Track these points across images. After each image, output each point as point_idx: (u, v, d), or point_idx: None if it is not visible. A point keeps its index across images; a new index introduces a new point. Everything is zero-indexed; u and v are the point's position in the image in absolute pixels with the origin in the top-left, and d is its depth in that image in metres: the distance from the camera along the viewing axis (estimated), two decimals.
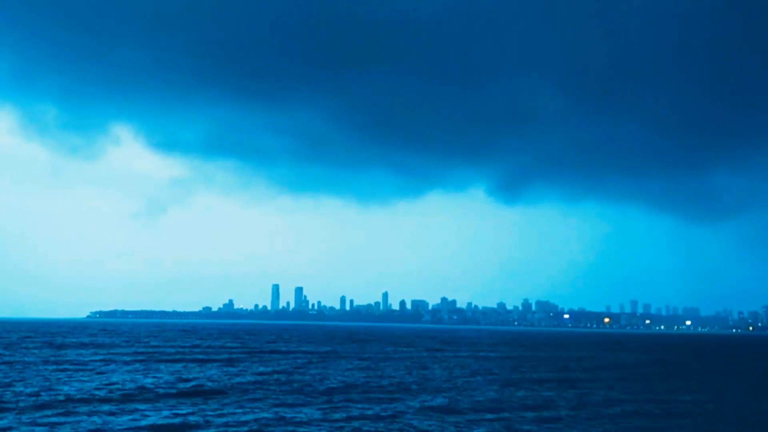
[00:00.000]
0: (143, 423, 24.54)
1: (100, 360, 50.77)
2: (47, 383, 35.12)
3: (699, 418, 28.85)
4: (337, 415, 27.01)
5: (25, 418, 24.95)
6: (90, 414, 26.05)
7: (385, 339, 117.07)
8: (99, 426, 23.86)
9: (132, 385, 34.73)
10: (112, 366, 45.82)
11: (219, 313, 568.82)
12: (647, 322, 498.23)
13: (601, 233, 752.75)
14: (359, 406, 29.64)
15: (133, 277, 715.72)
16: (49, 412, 26.25)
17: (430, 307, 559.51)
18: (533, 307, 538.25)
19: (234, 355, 60.78)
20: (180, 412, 26.94)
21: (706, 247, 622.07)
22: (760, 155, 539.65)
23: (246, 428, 24.06)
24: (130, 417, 25.57)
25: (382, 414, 27.57)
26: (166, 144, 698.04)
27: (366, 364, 53.70)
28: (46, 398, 29.68)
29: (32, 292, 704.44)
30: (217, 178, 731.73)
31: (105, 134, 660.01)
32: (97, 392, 32.00)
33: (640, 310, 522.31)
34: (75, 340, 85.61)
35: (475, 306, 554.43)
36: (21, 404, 27.88)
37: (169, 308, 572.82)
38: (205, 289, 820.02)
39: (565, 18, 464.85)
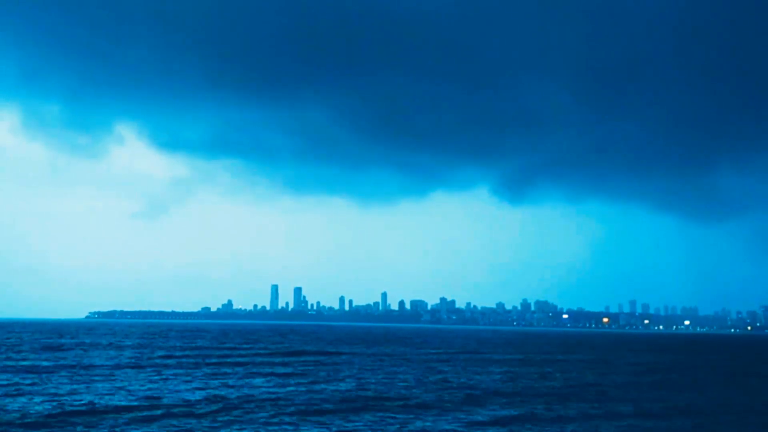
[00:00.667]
0: None
1: (155, 366, 50.94)
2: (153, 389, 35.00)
3: None
4: None
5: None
6: None
7: (412, 340, 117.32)
8: None
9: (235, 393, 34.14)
10: (182, 373, 45.77)
11: (218, 314, 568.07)
12: (646, 322, 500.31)
13: (599, 233, 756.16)
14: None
15: (132, 277, 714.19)
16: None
17: (429, 308, 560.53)
18: (532, 307, 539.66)
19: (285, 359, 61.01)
20: None
21: (704, 247, 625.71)
22: (763, 156, 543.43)
23: None
24: None
25: None
26: (170, 143, 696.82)
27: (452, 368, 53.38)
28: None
29: (30, 293, 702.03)
30: (219, 177, 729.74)
31: (109, 133, 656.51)
32: (199, 407, 30.06)
33: (638, 310, 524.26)
34: (113, 341, 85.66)
35: (474, 306, 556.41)
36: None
37: (167, 308, 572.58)
38: (204, 290, 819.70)
39: (571, 18, 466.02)
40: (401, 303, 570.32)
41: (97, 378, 39.88)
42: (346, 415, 28.82)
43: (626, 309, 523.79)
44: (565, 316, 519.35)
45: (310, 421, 27.33)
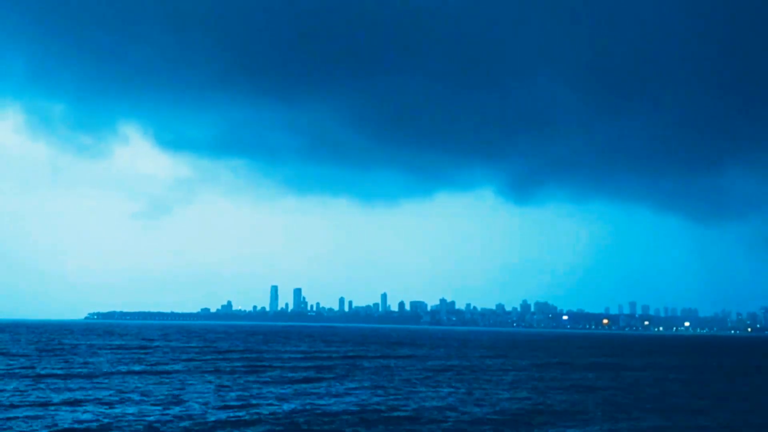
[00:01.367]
0: None
1: (202, 371, 50.48)
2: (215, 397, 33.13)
3: None
4: None
5: None
6: None
7: (434, 342, 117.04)
8: None
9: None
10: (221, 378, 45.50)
11: (218, 315, 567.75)
12: (646, 323, 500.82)
13: (602, 234, 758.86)
14: None
15: (132, 278, 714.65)
16: None
17: (429, 309, 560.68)
18: (532, 309, 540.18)
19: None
20: None
21: (705, 248, 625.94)
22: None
23: None
24: None
25: None
26: (174, 143, 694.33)
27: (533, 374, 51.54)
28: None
29: (30, 293, 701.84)
30: (222, 178, 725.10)
31: (113, 133, 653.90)
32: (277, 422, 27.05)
33: (638, 311, 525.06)
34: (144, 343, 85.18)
35: (474, 307, 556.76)
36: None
37: (167, 309, 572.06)
38: (204, 290, 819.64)
39: (577, 19, 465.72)
40: (401, 304, 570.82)
41: (190, 383, 38.09)
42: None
43: (626, 310, 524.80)
44: (565, 317, 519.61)
45: None
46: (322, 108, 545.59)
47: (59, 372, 42.95)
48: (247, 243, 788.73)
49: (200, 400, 31.38)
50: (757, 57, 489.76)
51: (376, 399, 33.22)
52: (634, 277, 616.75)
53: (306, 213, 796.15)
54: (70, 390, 33.96)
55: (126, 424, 25.12)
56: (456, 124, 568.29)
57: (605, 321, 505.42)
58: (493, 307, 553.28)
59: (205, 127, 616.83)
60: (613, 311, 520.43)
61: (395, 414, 28.76)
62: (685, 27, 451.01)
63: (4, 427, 24.01)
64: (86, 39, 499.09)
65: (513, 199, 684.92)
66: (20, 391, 33.14)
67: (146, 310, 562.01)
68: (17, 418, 25.52)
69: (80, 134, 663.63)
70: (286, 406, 30.00)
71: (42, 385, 35.52)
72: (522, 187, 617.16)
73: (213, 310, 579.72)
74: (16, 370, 43.13)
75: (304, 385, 38.46)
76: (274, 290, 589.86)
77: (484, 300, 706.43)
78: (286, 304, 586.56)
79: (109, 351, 67.60)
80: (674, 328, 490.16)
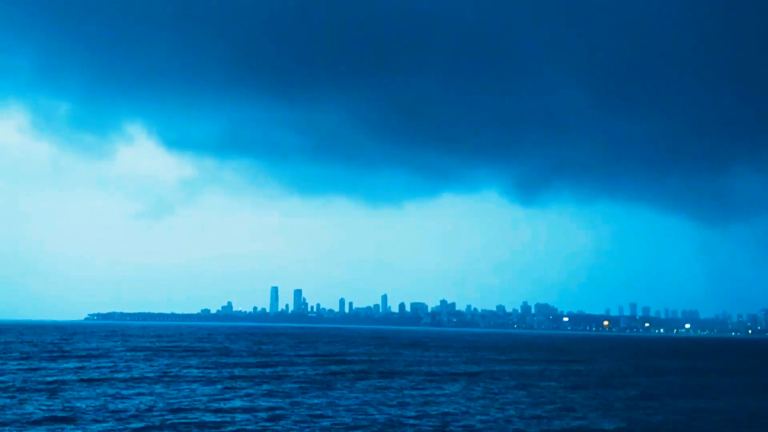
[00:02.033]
0: None
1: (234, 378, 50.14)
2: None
3: None
4: None
5: None
6: None
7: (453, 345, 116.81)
8: None
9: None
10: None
11: (218, 316, 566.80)
12: (647, 325, 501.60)
13: (604, 236, 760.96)
14: None
15: (131, 278, 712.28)
16: None
17: (429, 310, 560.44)
18: (533, 310, 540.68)
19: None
20: None
21: (706, 250, 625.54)
22: None
23: None
24: None
25: None
26: (179, 142, 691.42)
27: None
28: None
29: (29, 294, 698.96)
30: (225, 178, 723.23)
31: (118, 132, 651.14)
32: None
33: (639, 313, 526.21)
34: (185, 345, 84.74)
35: (475, 309, 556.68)
36: None
37: (167, 310, 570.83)
38: (204, 291, 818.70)
39: (585, 20, 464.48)
40: (401, 305, 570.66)
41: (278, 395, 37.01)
42: None
43: (627, 312, 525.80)
44: (565, 319, 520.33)
45: None
46: (328, 108, 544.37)
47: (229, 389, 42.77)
48: (247, 243, 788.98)
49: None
50: (764, 58, 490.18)
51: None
52: (634, 279, 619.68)
53: (308, 214, 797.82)
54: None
55: None
56: (462, 125, 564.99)
57: (606, 323, 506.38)
58: (494, 309, 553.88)
59: (211, 126, 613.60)
60: (614, 313, 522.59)
61: None
62: (691, 28, 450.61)
63: None
64: (92, 38, 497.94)
65: (518, 200, 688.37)
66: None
67: (146, 310, 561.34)
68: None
69: (84, 133, 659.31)
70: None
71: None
72: (527, 188, 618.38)
73: (213, 311, 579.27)
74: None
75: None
76: (275, 291, 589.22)
77: (484, 301, 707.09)
78: (287, 305, 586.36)
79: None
80: (675, 330, 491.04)
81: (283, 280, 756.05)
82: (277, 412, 30.24)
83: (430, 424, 28.29)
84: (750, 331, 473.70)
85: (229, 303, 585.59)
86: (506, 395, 38.40)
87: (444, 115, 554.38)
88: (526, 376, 50.82)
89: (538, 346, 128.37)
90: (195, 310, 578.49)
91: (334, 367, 54.79)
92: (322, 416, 29.31)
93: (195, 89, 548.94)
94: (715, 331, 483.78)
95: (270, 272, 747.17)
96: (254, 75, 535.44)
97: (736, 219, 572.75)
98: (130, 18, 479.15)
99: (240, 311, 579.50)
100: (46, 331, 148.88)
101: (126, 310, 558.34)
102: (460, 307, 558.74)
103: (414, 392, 38.69)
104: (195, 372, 47.34)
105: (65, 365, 50.71)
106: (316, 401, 33.71)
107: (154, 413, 28.73)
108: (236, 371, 48.72)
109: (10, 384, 37.16)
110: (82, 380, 40.09)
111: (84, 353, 66.62)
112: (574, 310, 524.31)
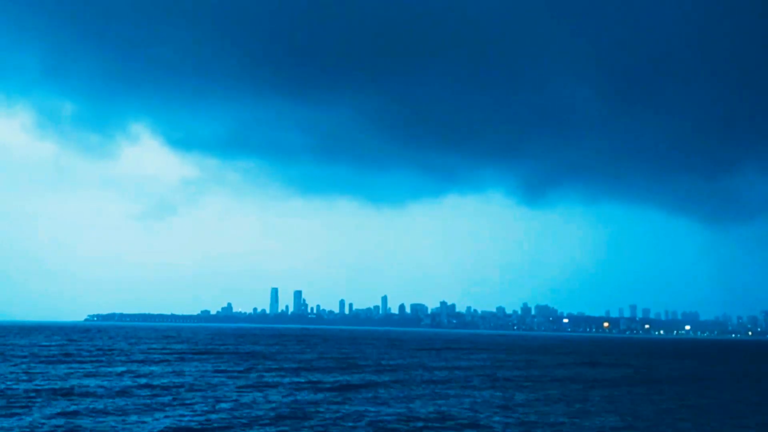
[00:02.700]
0: None
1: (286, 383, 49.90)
2: None
3: None
4: None
5: None
6: None
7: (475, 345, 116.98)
8: None
9: None
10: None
11: (218, 317, 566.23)
12: (647, 326, 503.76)
13: (606, 237, 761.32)
14: None
15: (132, 279, 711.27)
16: None
17: (429, 311, 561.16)
18: (533, 312, 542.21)
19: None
20: None
21: (707, 251, 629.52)
22: None
23: None
24: None
25: None
26: (184, 142, 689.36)
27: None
28: None
29: (28, 295, 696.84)
30: (229, 178, 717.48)
31: (123, 131, 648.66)
32: None
33: (639, 314, 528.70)
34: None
35: (475, 310, 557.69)
36: None
37: (167, 311, 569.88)
38: (203, 292, 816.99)
39: (593, 21, 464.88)
40: (401, 307, 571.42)
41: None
42: None
43: (627, 314, 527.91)
44: (565, 320, 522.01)
45: None
46: (334, 108, 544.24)
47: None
48: (248, 244, 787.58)
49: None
50: None
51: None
52: (634, 280, 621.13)
53: (310, 214, 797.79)
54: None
55: None
56: (469, 125, 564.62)
57: (606, 324, 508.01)
58: (494, 310, 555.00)
59: (216, 125, 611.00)
60: (614, 314, 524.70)
61: None
62: (699, 29, 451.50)
63: None
64: (98, 38, 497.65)
65: (522, 201, 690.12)
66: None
67: (146, 311, 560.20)
68: None
69: (89, 133, 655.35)
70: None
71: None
72: (532, 189, 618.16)
73: (213, 312, 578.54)
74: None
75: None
76: (275, 292, 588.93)
77: (484, 303, 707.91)
78: (286, 307, 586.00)
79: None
80: (675, 332, 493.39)
81: (283, 281, 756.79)
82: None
83: None
84: (750, 333, 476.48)
85: (229, 304, 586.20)
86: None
87: (451, 115, 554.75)
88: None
89: (575, 348, 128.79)
90: (195, 311, 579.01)
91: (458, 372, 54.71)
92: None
93: (201, 89, 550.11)
94: (715, 332, 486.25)
95: (270, 273, 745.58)
96: (261, 74, 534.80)
97: (739, 220, 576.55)
98: (136, 18, 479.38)
99: (240, 312, 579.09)
100: (55, 332, 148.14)
101: (125, 311, 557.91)
102: (460, 308, 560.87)
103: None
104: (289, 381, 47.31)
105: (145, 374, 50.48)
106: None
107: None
108: (320, 377, 48.76)
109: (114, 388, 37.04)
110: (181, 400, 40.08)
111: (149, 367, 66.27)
112: (574, 312, 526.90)
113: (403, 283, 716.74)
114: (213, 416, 28.85)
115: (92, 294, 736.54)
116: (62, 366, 51.37)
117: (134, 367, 52.33)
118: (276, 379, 44.78)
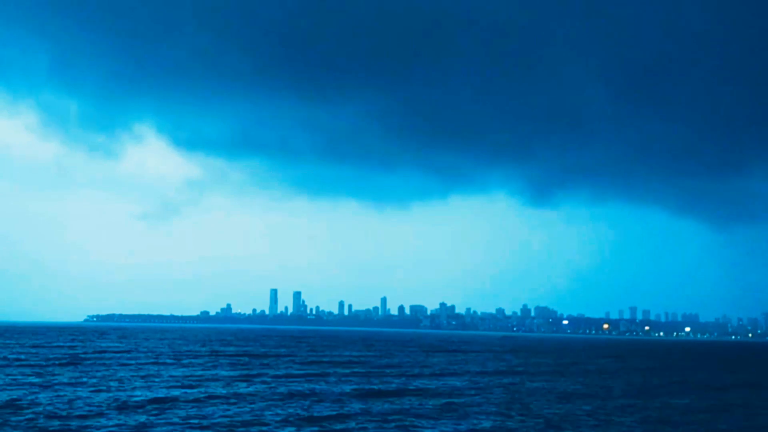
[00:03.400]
0: None
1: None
2: None
3: None
4: None
5: None
6: None
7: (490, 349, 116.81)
8: None
9: None
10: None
11: (217, 318, 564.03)
12: (646, 328, 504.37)
13: (607, 238, 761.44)
14: None
15: (132, 280, 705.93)
16: None
17: (428, 313, 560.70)
18: (532, 313, 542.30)
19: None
20: None
21: (707, 253, 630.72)
22: None
23: None
24: None
25: None
26: (189, 141, 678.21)
27: None
28: None
29: (28, 296, 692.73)
30: (232, 179, 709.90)
31: (128, 131, 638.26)
32: None
33: (639, 316, 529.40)
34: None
35: (474, 311, 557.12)
36: None
37: (166, 312, 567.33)
38: (203, 293, 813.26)
39: (605, 20, 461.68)
40: (401, 308, 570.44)
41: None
42: None
43: (627, 315, 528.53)
44: (565, 322, 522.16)
45: None
46: (339, 108, 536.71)
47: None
48: (247, 245, 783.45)
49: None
50: None
51: None
52: (635, 282, 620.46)
53: (314, 215, 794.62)
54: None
55: None
56: (476, 126, 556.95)
57: (605, 326, 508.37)
58: (493, 312, 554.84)
59: (222, 125, 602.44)
60: (614, 316, 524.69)
61: None
62: (710, 28, 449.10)
63: None
64: (104, 37, 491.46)
65: (528, 202, 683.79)
66: None
67: (145, 312, 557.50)
68: None
69: (93, 133, 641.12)
70: None
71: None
72: (538, 190, 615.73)
73: (212, 313, 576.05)
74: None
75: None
76: (274, 293, 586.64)
77: (483, 304, 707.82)
78: (286, 308, 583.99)
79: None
80: (675, 334, 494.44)
81: (282, 282, 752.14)
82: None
83: None
84: (750, 335, 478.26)
85: (229, 305, 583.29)
86: None
87: (457, 116, 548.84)
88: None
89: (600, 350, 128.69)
90: (194, 312, 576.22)
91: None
92: None
93: (207, 89, 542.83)
94: (715, 334, 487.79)
95: (269, 274, 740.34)
96: (267, 74, 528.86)
97: (743, 221, 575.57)
98: (143, 17, 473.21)
99: (239, 313, 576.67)
100: (62, 333, 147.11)
101: (125, 312, 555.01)
102: (460, 310, 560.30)
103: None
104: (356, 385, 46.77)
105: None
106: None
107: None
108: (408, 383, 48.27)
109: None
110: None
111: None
112: (574, 314, 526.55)
113: (403, 284, 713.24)
114: None
115: (92, 294, 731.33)
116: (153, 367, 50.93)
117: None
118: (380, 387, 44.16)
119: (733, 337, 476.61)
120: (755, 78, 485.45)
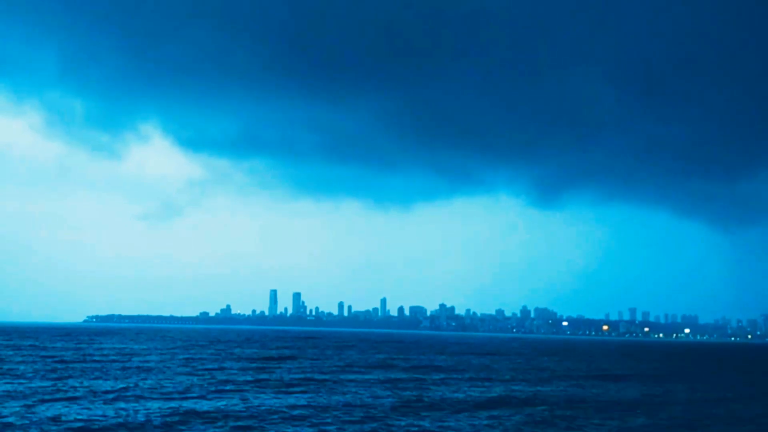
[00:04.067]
0: None
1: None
2: None
3: None
4: None
5: None
6: None
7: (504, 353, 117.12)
8: None
9: None
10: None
11: (217, 318, 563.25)
12: (646, 329, 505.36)
13: (607, 239, 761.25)
14: None
15: (132, 281, 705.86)
16: None
17: (428, 314, 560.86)
18: (532, 314, 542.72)
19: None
20: None
21: (708, 255, 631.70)
22: None
23: None
24: None
25: None
26: (193, 141, 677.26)
27: None
28: None
29: (27, 296, 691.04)
30: (235, 179, 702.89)
31: (133, 131, 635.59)
32: None
33: (638, 317, 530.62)
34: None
35: (474, 313, 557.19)
36: None
37: (166, 313, 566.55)
38: (203, 294, 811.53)
39: (613, 21, 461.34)
40: (400, 309, 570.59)
41: None
42: None
43: (626, 317, 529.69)
44: (564, 323, 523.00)
45: None
46: (344, 108, 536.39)
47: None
48: (247, 246, 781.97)
49: None
50: None
51: None
52: (634, 283, 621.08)
53: (316, 216, 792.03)
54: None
55: None
56: (481, 126, 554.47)
57: (605, 327, 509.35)
58: (493, 313, 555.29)
59: (226, 125, 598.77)
60: (613, 317, 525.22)
61: None
62: (718, 30, 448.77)
63: None
64: (110, 37, 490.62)
65: (532, 203, 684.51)
66: None
67: (145, 313, 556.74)
68: None
69: (97, 133, 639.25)
70: None
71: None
72: (543, 191, 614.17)
73: (212, 314, 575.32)
74: None
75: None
76: (273, 294, 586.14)
77: (483, 305, 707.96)
78: (285, 309, 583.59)
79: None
80: (674, 335, 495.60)
81: (282, 283, 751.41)
82: None
83: None
84: (749, 336, 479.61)
85: (228, 306, 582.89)
86: None
87: (462, 116, 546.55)
88: None
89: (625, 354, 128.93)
90: (194, 312, 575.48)
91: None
92: None
93: (212, 88, 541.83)
94: (715, 336, 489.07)
95: (269, 275, 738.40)
96: (271, 74, 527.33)
97: (745, 223, 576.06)
98: (149, 17, 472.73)
99: (239, 314, 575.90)
100: (69, 333, 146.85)
101: (124, 312, 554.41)
102: (459, 311, 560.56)
103: None
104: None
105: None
106: None
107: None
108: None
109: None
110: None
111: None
112: (574, 315, 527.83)
113: (403, 285, 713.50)
114: None
115: (91, 294, 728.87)
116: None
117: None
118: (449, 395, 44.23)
119: (732, 338, 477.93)
120: (760, 81, 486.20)
